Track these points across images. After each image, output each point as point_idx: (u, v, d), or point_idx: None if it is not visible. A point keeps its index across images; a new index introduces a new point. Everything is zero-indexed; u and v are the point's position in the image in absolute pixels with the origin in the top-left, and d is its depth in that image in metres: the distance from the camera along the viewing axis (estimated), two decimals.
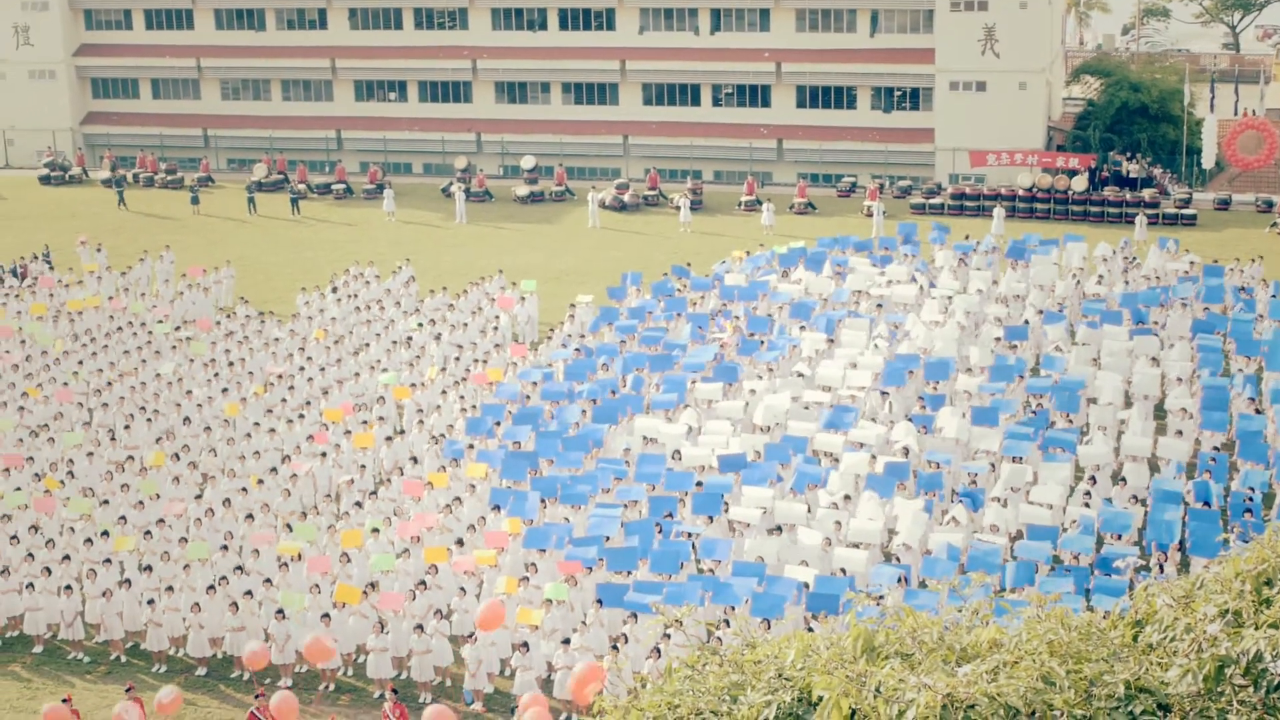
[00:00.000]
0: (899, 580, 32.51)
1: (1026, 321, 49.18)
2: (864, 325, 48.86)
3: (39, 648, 34.66)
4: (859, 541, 35.03)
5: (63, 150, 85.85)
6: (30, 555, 36.26)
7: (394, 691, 30.20)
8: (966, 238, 59.01)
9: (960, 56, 74.24)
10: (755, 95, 78.85)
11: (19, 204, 77.33)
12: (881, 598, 31.59)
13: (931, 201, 70.93)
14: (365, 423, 43.63)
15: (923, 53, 75.60)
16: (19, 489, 40.04)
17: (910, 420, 41.40)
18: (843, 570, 33.16)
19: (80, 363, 49.82)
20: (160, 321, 53.22)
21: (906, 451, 39.24)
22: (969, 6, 73.80)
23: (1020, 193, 70.25)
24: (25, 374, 48.79)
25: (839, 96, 77.94)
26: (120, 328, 52.86)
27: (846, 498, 36.96)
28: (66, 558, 36.08)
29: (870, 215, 67.03)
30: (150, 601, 33.93)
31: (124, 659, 34.09)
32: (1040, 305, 51.43)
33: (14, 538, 37.20)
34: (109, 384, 47.33)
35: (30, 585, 34.95)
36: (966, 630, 9.18)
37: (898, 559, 34.55)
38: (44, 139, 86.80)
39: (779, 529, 35.62)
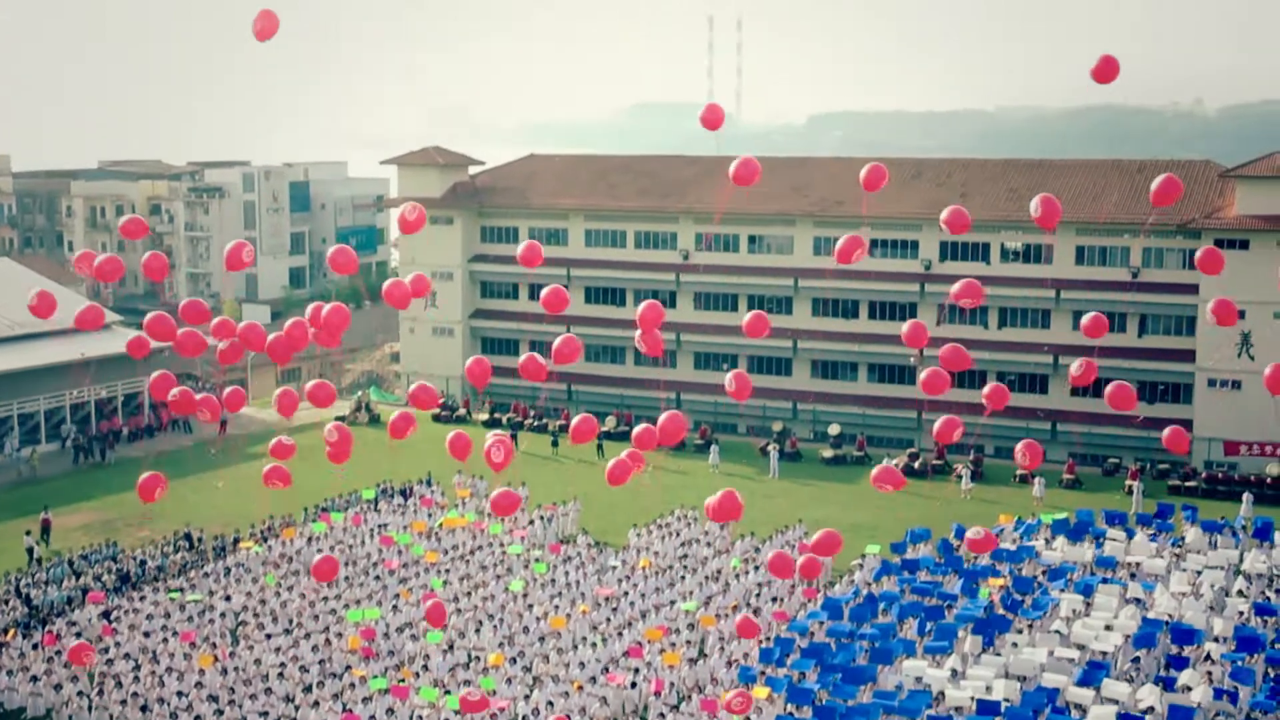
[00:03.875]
0: None
1: (1267, 598, 46.24)
2: (1117, 591, 46.62)
3: None
4: None
5: (453, 394, 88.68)
6: None
7: None
8: (1221, 519, 56.18)
9: (1219, 358, 71.69)
10: (1034, 383, 77.26)
11: (414, 436, 79.17)
12: None
13: (1187, 484, 67.84)
14: (674, 645, 42.99)
15: (1184, 353, 73.28)
16: (378, 677, 40.45)
17: (1156, 681, 39.05)
18: None
19: (446, 571, 50.49)
20: (514, 544, 53.67)
21: (1151, 710, 36.97)
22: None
23: (1269, 481, 66.83)
24: (400, 579, 49.64)
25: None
26: (480, 546, 53.52)
27: None
28: None
29: (1130, 493, 64.65)
30: None
31: None
32: None
33: (371, 718, 37.50)
34: (467, 594, 47.80)
35: None
36: None
37: None
38: (439, 383, 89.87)
39: None
